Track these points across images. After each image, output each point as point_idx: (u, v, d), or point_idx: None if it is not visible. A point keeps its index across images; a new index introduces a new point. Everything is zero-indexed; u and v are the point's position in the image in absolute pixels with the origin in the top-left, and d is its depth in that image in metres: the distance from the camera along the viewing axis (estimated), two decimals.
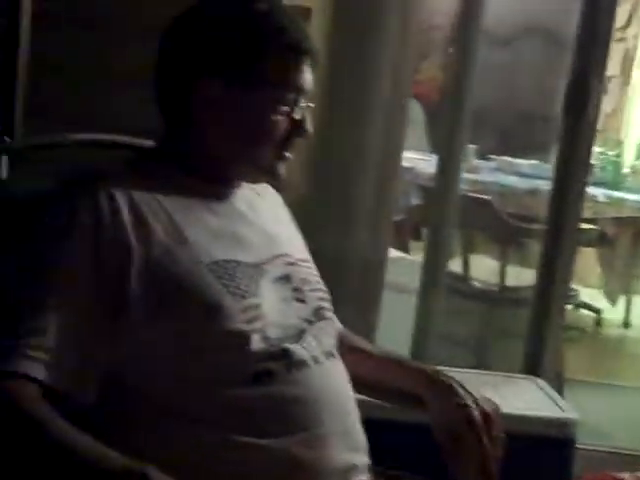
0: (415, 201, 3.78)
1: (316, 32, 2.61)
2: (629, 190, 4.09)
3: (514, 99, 6.99)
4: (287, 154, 1.20)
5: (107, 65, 1.75)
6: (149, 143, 1.32)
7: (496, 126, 6.15)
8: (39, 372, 1.00)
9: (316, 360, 1.16)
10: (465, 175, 3.86)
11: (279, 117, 1.17)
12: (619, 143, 4.38)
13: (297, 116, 1.18)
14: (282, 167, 1.21)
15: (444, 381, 1.29)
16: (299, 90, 1.19)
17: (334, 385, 1.18)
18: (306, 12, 2.55)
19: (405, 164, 3.59)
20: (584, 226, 3.42)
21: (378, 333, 2.38)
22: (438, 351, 2.62)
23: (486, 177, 4.01)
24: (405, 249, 3.79)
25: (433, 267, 2.53)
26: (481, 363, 3.00)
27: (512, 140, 6.14)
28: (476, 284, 3.32)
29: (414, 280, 2.61)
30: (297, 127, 1.19)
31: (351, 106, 2.39)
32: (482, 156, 4.55)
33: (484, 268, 3.35)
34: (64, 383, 1.03)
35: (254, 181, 1.27)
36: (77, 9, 1.82)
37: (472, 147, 4.31)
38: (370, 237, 2.37)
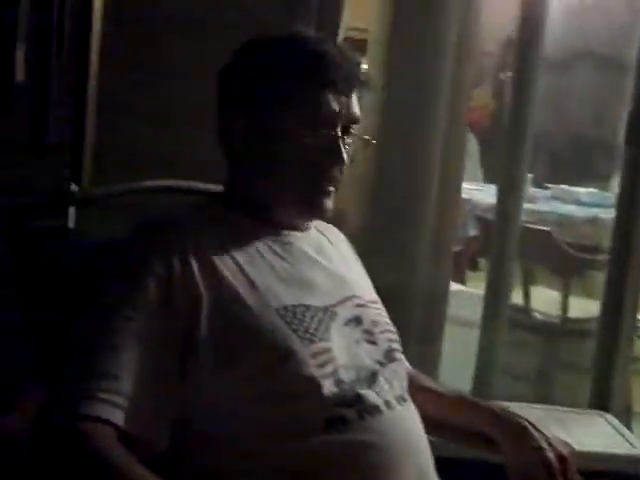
0: (472, 232, 3.75)
1: (372, 64, 2.65)
2: None
3: (569, 125, 6.91)
4: (331, 188, 1.19)
5: (172, 109, 1.78)
6: (215, 188, 1.34)
7: (550, 153, 6.08)
8: (114, 416, 1.01)
9: (389, 405, 1.15)
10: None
11: (310, 146, 1.16)
12: None
13: (334, 147, 1.17)
14: (327, 202, 1.20)
15: (518, 422, 1.27)
16: (333, 119, 1.17)
17: (407, 429, 1.17)
18: (361, 44, 2.58)
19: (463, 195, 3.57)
20: None
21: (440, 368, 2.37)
22: (500, 385, 2.58)
23: (543, 206, 3.94)
24: (462, 280, 3.76)
25: (495, 300, 2.50)
26: (544, 397, 2.94)
27: (566, 167, 6.07)
28: (537, 316, 3.27)
29: (474, 312, 2.58)
30: (334, 158, 1.17)
31: (409, 137, 2.39)
32: (537, 184, 4.49)
33: (545, 299, 3.30)
34: (139, 428, 1.03)
35: (303, 218, 1.26)
36: (143, 53, 1.86)
37: (528, 175, 4.26)
38: (431, 270, 2.36)
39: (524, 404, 2.20)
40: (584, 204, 3.89)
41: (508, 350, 2.77)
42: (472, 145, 5.31)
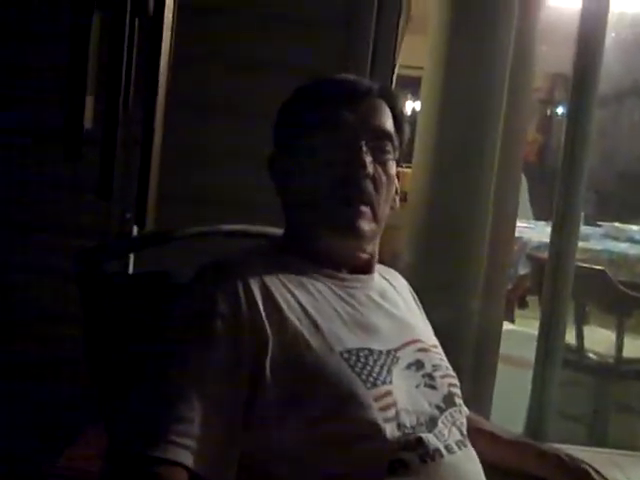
0: (522, 270, 3.72)
1: (425, 101, 2.67)
2: None
3: (616, 162, 6.85)
4: (363, 207, 1.19)
5: (236, 150, 1.81)
6: (276, 231, 1.36)
7: (598, 190, 6.03)
8: (187, 459, 1.02)
9: (449, 450, 1.15)
10: None
11: (333, 162, 1.18)
12: None
13: (353, 156, 1.17)
14: (361, 222, 1.19)
15: (581, 468, 1.26)
16: (350, 132, 1.18)
17: (468, 474, 1.17)
18: (415, 81, 2.61)
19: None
20: None
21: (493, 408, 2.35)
22: (555, 427, 2.55)
23: (596, 244, 3.91)
24: (511, 319, 3.72)
25: (548, 339, 2.48)
26: (598, 439, 2.90)
27: (615, 204, 6.00)
28: (591, 356, 3.23)
29: (525, 352, 2.57)
30: (355, 167, 1.17)
31: (463, 173, 2.40)
32: (587, 222, 4.45)
33: (598, 339, 3.26)
34: (210, 470, 1.05)
35: (342, 241, 1.22)
36: (204, 94, 1.90)
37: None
38: (484, 308, 2.35)
39: (580, 447, 2.17)
40: (638, 242, 3.85)
41: (561, 391, 2.74)
42: (523, 181, 5.27)
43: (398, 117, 1.26)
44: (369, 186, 1.19)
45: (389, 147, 1.22)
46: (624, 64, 6.17)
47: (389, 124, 1.23)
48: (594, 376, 3.17)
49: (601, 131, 6.67)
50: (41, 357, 2.09)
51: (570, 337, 3.22)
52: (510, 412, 2.47)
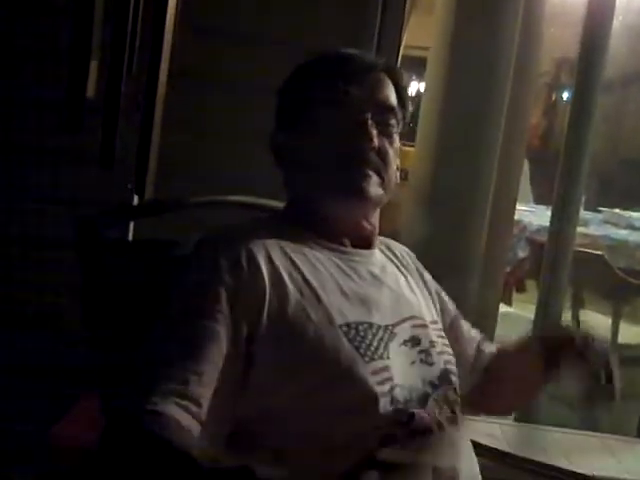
0: (521, 254, 3.73)
1: (431, 81, 2.67)
2: None
3: (619, 147, 6.84)
4: (369, 171, 1.19)
5: (235, 126, 1.81)
6: (276, 204, 1.36)
7: (601, 176, 6.02)
8: (186, 420, 1.03)
9: (440, 426, 1.16)
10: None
11: (338, 131, 1.18)
12: None
13: (359, 127, 1.18)
14: (367, 184, 1.19)
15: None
16: (356, 104, 1.19)
17: (457, 452, 1.18)
18: (421, 61, 2.61)
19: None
20: None
21: None
22: (550, 412, 2.57)
23: (596, 230, 3.91)
24: (509, 302, 3.73)
25: (544, 322, 2.49)
26: (594, 425, 2.91)
27: (618, 191, 5.99)
28: None
29: (521, 334, 2.57)
30: (361, 137, 1.18)
31: (466, 153, 2.40)
32: (587, 207, 4.46)
33: (594, 324, 3.27)
34: (205, 431, 1.05)
35: (347, 205, 1.23)
36: (207, 70, 1.89)
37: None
38: (482, 290, 2.36)
39: (573, 430, 2.19)
40: (638, 229, 3.86)
41: None
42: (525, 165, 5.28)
43: (401, 92, 1.27)
44: (375, 158, 1.20)
45: (393, 121, 1.23)
46: (630, 50, 6.14)
47: (393, 98, 1.24)
48: None
49: (605, 117, 6.66)
50: (40, 323, 2.10)
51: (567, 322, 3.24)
52: None
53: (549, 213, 2.60)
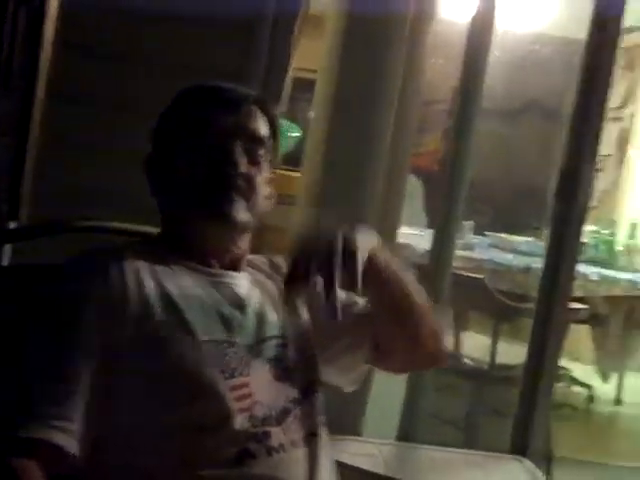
0: None
1: (319, 103, 2.72)
2: (622, 269, 4.13)
3: (513, 174, 7.08)
4: (236, 197, 1.25)
5: (109, 143, 1.81)
6: (151, 230, 1.39)
7: (494, 201, 6.24)
8: (63, 440, 1.07)
9: (295, 444, 1.20)
10: (460, 252, 3.92)
11: (205, 159, 1.24)
12: (612, 222, 4.44)
13: (224, 156, 1.25)
14: (235, 209, 1.25)
15: None
16: (224, 133, 1.26)
17: (314, 467, 1.22)
18: (310, 83, 2.66)
19: (401, 240, 3.65)
20: (576, 305, 3.46)
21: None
22: (428, 430, 2.64)
23: (481, 254, 4.05)
24: None
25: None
26: (471, 442, 3.01)
27: (509, 216, 6.20)
28: (467, 362, 3.35)
29: None
30: (226, 164, 1.25)
31: (348, 177, 2.45)
32: (479, 232, 4.60)
33: (476, 345, 3.39)
34: (79, 449, 1.10)
35: (214, 229, 1.28)
36: (83, 88, 1.89)
37: (468, 223, 4.37)
38: None
39: (448, 448, 2.27)
40: (521, 253, 4.00)
41: (438, 395, 2.84)
42: (419, 190, 5.41)
43: (272, 123, 1.34)
44: (243, 183, 1.26)
45: (262, 150, 1.30)
46: (523, 81, 6.38)
47: (263, 129, 1.31)
48: (470, 381, 3.29)
49: (500, 146, 6.89)
50: None
51: (450, 343, 3.33)
52: (386, 414, 2.55)
53: None
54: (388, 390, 2.52)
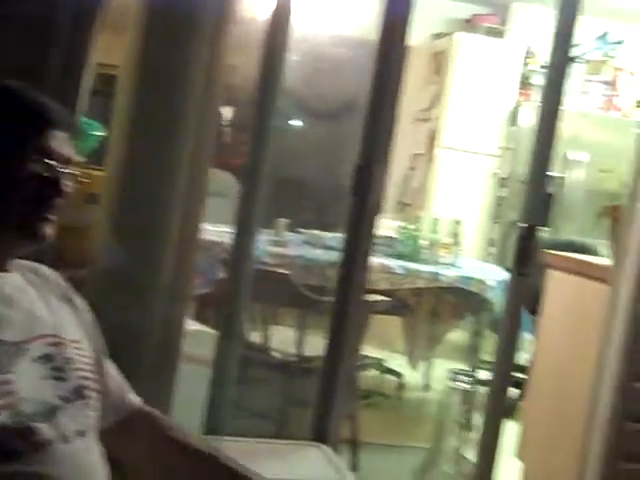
0: (221, 274, 3.85)
1: (121, 100, 2.69)
2: (425, 262, 4.35)
3: (335, 173, 7.29)
4: (49, 216, 1.29)
5: None
6: None
7: (317, 199, 6.42)
8: None
9: (66, 440, 1.21)
10: (272, 249, 4.01)
11: (22, 177, 1.27)
12: (418, 218, 4.66)
13: (49, 178, 1.28)
14: (46, 228, 1.29)
15: None
16: (44, 154, 1.28)
17: (86, 463, 1.24)
18: (112, 80, 2.63)
19: (214, 238, 3.69)
20: (377, 297, 3.62)
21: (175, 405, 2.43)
22: (237, 422, 2.68)
23: (292, 251, 4.15)
24: (204, 321, 3.83)
25: (227, 339, 2.61)
26: (280, 433, 3.09)
27: (330, 213, 6.40)
28: (276, 355, 3.43)
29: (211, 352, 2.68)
30: (50, 189, 1.29)
31: (152, 177, 2.45)
32: (297, 230, 4.71)
33: (285, 339, 3.47)
34: None
35: (25, 245, 1.33)
36: None
37: (283, 220, 4.47)
38: (167, 311, 2.42)
39: (246, 439, 2.32)
40: (330, 248, 4.12)
41: (247, 388, 2.89)
42: (236, 189, 5.45)
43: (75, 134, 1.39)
44: (60, 202, 1.31)
45: (74, 169, 1.35)
46: (340, 84, 6.58)
47: (71, 151, 1.35)
48: (278, 373, 3.38)
49: (324, 146, 7.08)
50: None
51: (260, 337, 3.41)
52: (192, 408, 2.57)
53: None
54: (194, 384, 2.55)
